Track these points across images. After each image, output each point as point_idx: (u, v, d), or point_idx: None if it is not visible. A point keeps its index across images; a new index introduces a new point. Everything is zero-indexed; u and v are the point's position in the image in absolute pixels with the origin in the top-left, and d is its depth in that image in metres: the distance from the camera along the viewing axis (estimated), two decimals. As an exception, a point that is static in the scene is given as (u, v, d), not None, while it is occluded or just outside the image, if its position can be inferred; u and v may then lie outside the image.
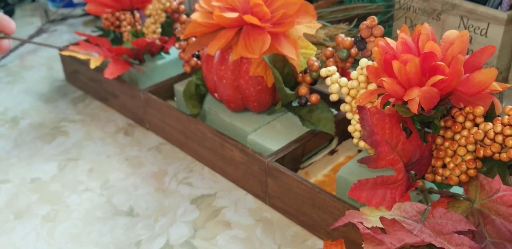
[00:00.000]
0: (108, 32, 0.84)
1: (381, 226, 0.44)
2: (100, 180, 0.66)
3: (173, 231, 0.58)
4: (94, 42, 0.76)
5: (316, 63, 0.61)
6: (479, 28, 0.76)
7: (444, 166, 0.50)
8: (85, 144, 0.73)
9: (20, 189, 0.65)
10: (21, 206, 0.62)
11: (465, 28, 0.79)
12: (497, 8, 0.75)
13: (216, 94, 0.66)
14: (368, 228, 0.43)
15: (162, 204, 0.62)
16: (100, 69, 0.77)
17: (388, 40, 0.48)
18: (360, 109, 0.46)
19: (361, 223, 0.44)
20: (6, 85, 0.89)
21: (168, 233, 0.58)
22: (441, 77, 0.45)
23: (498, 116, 0.48)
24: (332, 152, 0.66)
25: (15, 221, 0.60)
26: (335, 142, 0.66)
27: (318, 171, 0.65)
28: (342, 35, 0.60)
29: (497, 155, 0.46)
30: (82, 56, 0.73)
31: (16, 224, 0.60)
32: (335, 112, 0.66)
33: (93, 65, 0.72)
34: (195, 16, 0.60)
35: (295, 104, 0.66)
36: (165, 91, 0.76)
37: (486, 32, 0.76)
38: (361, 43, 0.59)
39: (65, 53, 0.73)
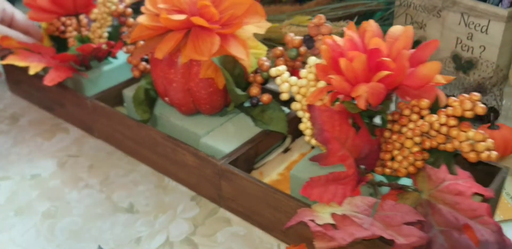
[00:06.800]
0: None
1: (333, 222, 0.45)
2: (100, 176, 0.66)
3: (173, 228, 0.58)
4: (37, 50, 0.73)
5: (267, 63, 0.61)
6: (479, 25, 0.76)
7: (393, 159, 0.51)
8: (85, 141, 0.73)
9: (20, 185, 0.65)
10: (21, 202, 0.63)
11: (466, 25, 0.79)
12: (497, 5, 0.75)
13: (166, 98, 0.66)
14: (319, 225, 0.44)
15: (162, 201, 0.62)
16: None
17: (335, 37, 0.50)
18: (310, 107, 0.48)
19: (313, 220, 0.45)
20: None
21: (168, 229, 0.58)
22: (386, 72, 0.46)
23: (444, 108, 0.49)
24: (286, 151, 0.67)
25: (15, 217, 0.60)
26: (288, 140, 0.67)
27: (273, 170, 0.65)
28: (292, 34, 0.61)
29: (442, 145, 0.48)
30: (20, 63, 0.70)
31: (16, 221, 0.60)
32: (288, 111, 0.66)
33: (32, 71, 0.70)
34: (141, 19, 0.60)
35: (247, 104, 0.66)
36: (114, 97, 0.74)
37: (486, 29, 0.76)
38: (309, 41, 0.60)
39: (4, 62, 0.70)
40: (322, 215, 0.46)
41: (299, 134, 0.67)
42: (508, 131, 0.65)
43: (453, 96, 0.75)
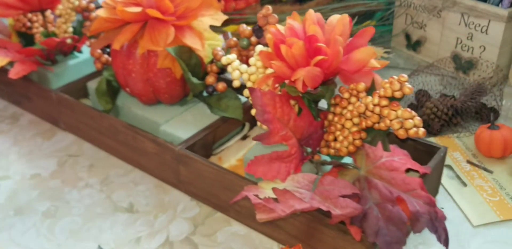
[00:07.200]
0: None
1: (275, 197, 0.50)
2: (100, 176, 0.67)
3: (173, 228, 0.58)
4: (3, 45, 0.78)
5: (220, 53, 0.66)
6: (479, 25, 0.77)
7: (336, 139, 0.56)
8: (84, 140, 0.73)
9: (20, 185, 0.66)
10: (21, 202, 0.63)
11: (466, 25, 0.79)
12: (497, 5, 0.75)
13: (127, 89, 0.71)
14: (261, 199, 0.49)
15: (162, 201, 0.62)
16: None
17: (279, 26, 0.55)
18: (251, 90, 0.53)
19: (257, 195, 0.50)
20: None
21: (168, 229, 0.58)
22: (321, 57, 0.51)
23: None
24: (245, 138, 0.72)
25: (15, 217, 0.61)
26: (246, 127, 0.72)
27: (232, 156, 0.70)
28: (244, 25, 0.66)
29: (376, 125, 0.53)
30: None
31: (16, 220, 0.60)
32: (246, 99, 0.71)
33: None
34: (99, 12, 0.64)
35: (206, 94, 0.71)
36: (78, 90, 0.79)
37: (486, 29, 0.77)
38: (258, 31, 0.65)
39: None
40: (266, 190, 0.51)
41: (257, 121, 0.71)
42: (508, 131, 0.66)
43: (453, 96, 0.75)
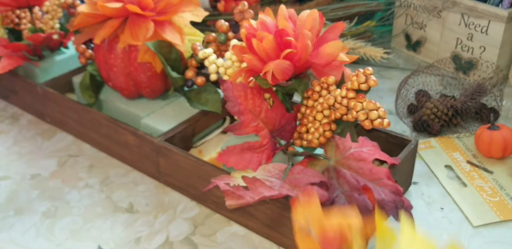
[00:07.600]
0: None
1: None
2: (100, 176, 0.67)
3: (173, 228, 0.58)
4: None
5: (199, 48, 0.69)
6: (479, 26, 0.77)
7: (308, 131, 0.59)
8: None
9: (20, 185, 0.66)
10: (21, 202, 0.63)
11: (466, 26, 0.79)
12: (497, 5, 0.75)
13: (110, 83, 0.74)
14: (231, 186, 0.51)
15: (162, 201, 0.62)
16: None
17: (252, 22, 0.57)
18: (221, 82, 0.55)
19: (228, 183, 0.52)
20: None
21: (168, 229, 0.58)
22: (289, 50, 0.54)
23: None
24: (226, 131, 0.74)
25: (15, 217, 0.61)
26: (227, 121, 0.75)
27: (212, 149, 0.72)
28: (222, 21, 0.69)
29: (345, 116, 0.55)
30: None
31: (16, 220, 0.60)
32: None
33: None
34: (81, 7, 0.67)
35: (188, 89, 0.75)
36: (64, 84, 0.82)
37: (486, 30, 0.77)
38: (235, 27, 0.68)
39: None
40: (238, 179, 0.53)
41: (236, 115, 0.73)
42: (508, 132, 0.66)
43: (453, 96, 0.75)
